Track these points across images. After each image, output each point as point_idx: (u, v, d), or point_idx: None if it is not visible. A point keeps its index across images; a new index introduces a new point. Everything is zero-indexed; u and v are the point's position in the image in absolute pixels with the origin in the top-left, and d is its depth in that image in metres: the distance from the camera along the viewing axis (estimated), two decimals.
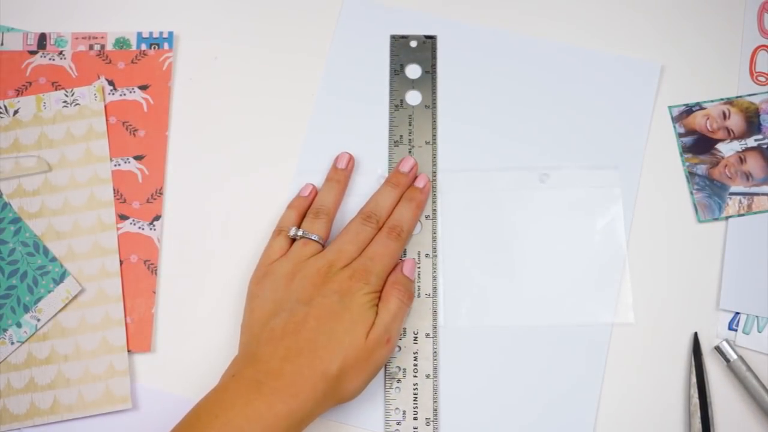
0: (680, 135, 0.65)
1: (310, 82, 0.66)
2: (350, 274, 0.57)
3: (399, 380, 0.60)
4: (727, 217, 0.63)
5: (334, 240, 0.59)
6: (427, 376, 0.60)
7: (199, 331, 0.61)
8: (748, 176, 0.63)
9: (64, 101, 0.64)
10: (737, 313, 0.61)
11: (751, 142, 0.64)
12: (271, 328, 0.55)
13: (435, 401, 0.59)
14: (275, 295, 0.57)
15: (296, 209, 0.61)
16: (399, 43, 0.66)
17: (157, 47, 0.66)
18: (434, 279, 0.61)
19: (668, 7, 0.67)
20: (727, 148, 0.64)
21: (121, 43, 0.66)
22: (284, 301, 0.56)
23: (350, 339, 0.55)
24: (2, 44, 0.65)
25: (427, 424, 0.59)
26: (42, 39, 0.66)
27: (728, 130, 0.64)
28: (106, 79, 0.65)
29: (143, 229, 0.63)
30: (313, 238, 0.59)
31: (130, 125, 0.64)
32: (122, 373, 0.60)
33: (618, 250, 0.62)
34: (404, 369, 0.60)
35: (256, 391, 0.52)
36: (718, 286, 0.62)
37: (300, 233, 0.59)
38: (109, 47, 0.66)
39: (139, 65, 0.65)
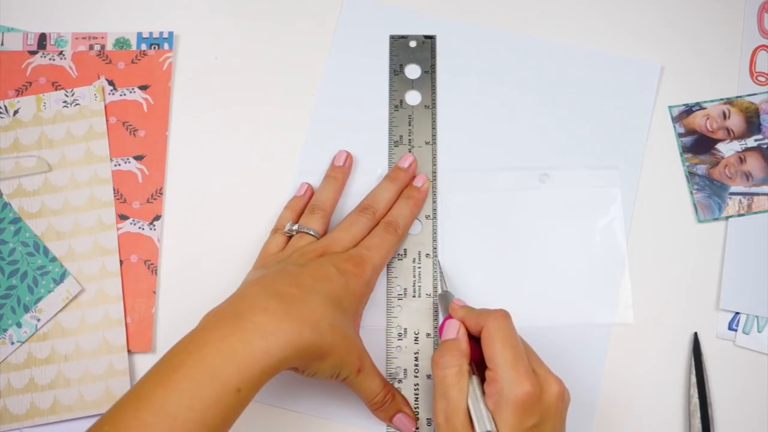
0: (680, 135, 0.65)
1: (310, 82, 0.66)
2: (347, 258, 0.56)
3: (400, 380, 0.60)
4: (727, 217, 0.63)
5: (330, 230, 0.60)
6: (428, 377, 0.60)
7: None
8: (748, 176, 0.63)
9: (64, 101, 0.64)
10: (737, 313, 0.61)
11: (751, 142, 0.64)
12: (263, 274, 0.55)
13: None
14: (268, 269, 0.56)
15: (293, 209, 0.62)
16: (398, 43, 0.66)
17: (157, 47, 0.66)
18: (434, 279, 0.61)
19: (668, 7, 0.67)
20: (727, 148, 0.64)
21: (121, 43, 0.66)
22: (278, 265, 0.56)
23: (346, 309, 0.54)
24: (2, 44, 0.65)
25: (429, 424, 0.59)
26: (42, 39, 0.66)
27: (728, 130, 0.65)
28: (106, 79, 0.65)
29: (143, 229, 0.63)
30: (309, 232, 0.59)
31: (130, 125, 0.64)
32: (122, 373, 0.60)
33: (618, 250, 0.62)
34: (405, 369, 0.60)
35: (234, 325, 0.49)
36: (718, 286, 0.62)
37: (296, 228, 0.59)
38: (109, 47, 0.66)
39: (139, 65, 0.65)
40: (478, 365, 0.52)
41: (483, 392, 0.50)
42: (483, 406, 0.49)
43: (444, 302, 0.57)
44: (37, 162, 0.63)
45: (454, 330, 0.53)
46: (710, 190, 0.63)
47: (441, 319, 0.56)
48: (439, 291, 0.61)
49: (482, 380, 0.51)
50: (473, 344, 0.52)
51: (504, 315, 0.52)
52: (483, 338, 0.51)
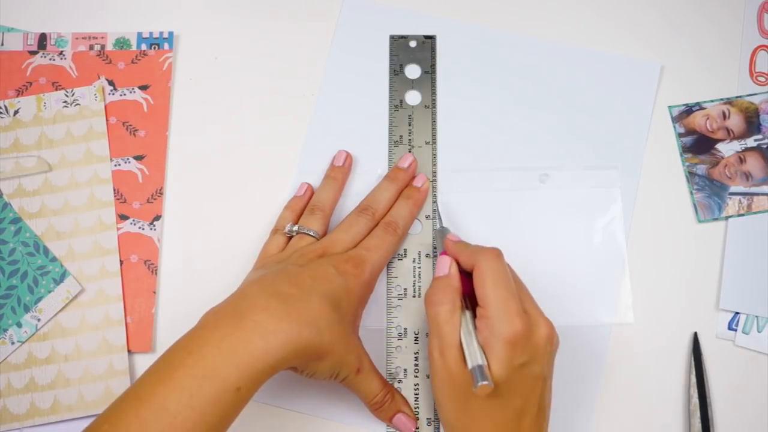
0: (680, 135, 0.65)
1: (310, 82, 0.66)
2: (346, 258, 0.56)
3: (400, 380, 0.60)
4: (727, 217, 0.63)
5: (329, 231, 0.60)
6: (428, 376, 0.60)
7: None
8: (747, 176, 0.63)
9: (65, 101, 0.64)
10: (737, 313, 0.61)
11: (750, 142, 0.64)
12: (263, 274, 0.55)
13: None
14: (268, 270, 0.56)
15: (293, 209, 0.62)
16: (398, 43, 0.66)
17: (157, 47, 0.66)
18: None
19: (668, 7, 0.67)
20: (727, 148, 0.64)
21: (121, 43, 0.66)
22: (278, 265, 0.56)
23: (346, 309, 0.54)
24: (2, 44, 0.65)
25: (429, 424, 0.59)
26: (42, 39, 0.66)
27: (728, 130, 0.65)
28: (106, 79, 0.65)
29: (143, 229, 0.63)
30: (309, 233, 0.59)
31: (130, 125, 0.64)
32: (122, 373, 0.60)
33: (618, 250, 0.62)
34: (405, 369, 0.60)
35: (234, 325, 0.49)
36: (718, 286, 0.62)
37: (296, 229, 0.59)
38: (109, 47, 0.66)
39: (139, 65, 0.65)
40: (472, 299, 0.52)
41: (476, 327, 0.50)
42: (475, 341, 0.50)
43: (440, 237, 0.57)
44: (37, 162, 0.63)
45: (445, 266, 0.53)
46: (710, 190, 0.63)
47: (438, 253, 0.57)
48: (437, 226, 0.61)
49: (475, 315, 0.51)
50: (466, 279, 0.53)
51: (496, 254, 0.52)
52: (474, 277, 0.51)
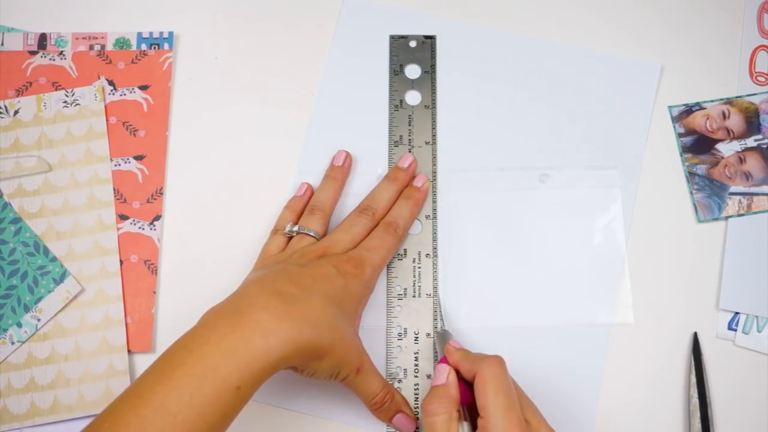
0: (680, 135, 0.65)
1: (310, 82, 0.66)
2: (347, 259, 0.57)
3: (400, 380, 0.60)
4: (726, 217, 0.63)
5: (330, 231, 0.60)
6: (428, 376, 0.60)
7: None
8: (747, 176, 0.63)
9: (65, 101, 0.64)
10: (737, 313, 0.61)
11: (750, 142, 0.64)
12: (263, 274, 0.55)
13: None
14: (268, 270, 0.56)
15: (292, 209, 0.62)
16: (398, 43, 0.66)
17: (157, 47, 0.66)
18: (434, 279, 0.61)
19: (668, 7, 0.67)
20: (727, 148, 0.64)
21: (121, 43, 0.66)
22: (278, 265, 0.56)
23: (346, 309, 0.54)
24: (2, 44, 0.65)
25: None
26: (42, 39, 0.66)
27: (728, 130, 0.65)
28: (106, 79, 0.65)
29: (143, 229, 0.63)
30: (309, 233, 0.59)
31: (130, 125, 0.64)
32: (122, 373, 0.60)
33: (618, 250, 0.62)
34: (405, 369, 0.60)
35: (234, 323, 0.49)
36: (718, 286, 0.62)
37: (296, 229, 0.59)
38: (109, 47, 0.66)
39: (139, 65, 0.66)
40: (471, 410, 0.51)
41: None
42: None
43: (441, 342, 0.56)
44: (37, 162, 0.63)
45: (443, 376, 0.52)
46: (710, 190, 0.63)
47: (439, 357, 0.56)
48: (438, 328, 0.60)
49: (474, 426, 0.50)
50: (466, 388, 0.51)
51: (498, 362, 0.51)
52: (476, 385, 0.50)
